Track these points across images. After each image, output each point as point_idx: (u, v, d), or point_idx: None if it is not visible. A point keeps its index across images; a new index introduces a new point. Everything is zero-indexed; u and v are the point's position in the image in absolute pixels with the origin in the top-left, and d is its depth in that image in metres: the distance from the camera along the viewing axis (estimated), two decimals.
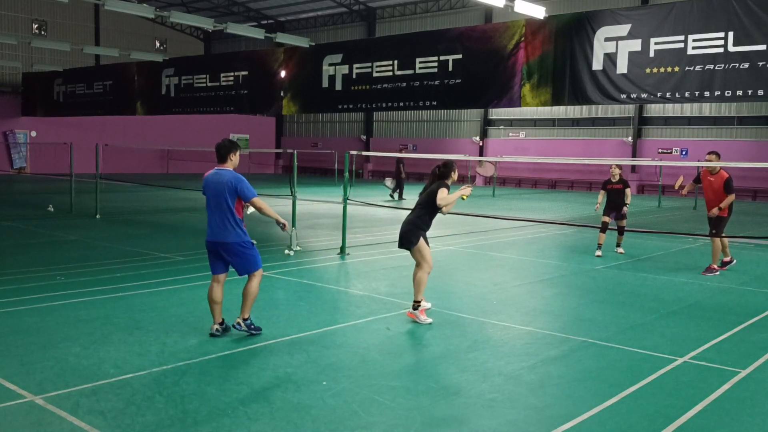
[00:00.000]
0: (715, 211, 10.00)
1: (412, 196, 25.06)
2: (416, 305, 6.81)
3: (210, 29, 26.63)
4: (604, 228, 11.65)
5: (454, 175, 7.02)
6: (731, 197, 9.88)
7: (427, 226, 6.92)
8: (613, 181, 11.76)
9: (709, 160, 9.91)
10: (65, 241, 11.76)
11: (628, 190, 11.74)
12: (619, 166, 11.87)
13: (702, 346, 6.15)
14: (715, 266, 10.20)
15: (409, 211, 7.11)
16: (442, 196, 6.76)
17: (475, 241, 13.30)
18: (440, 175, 7.02)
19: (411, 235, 6.81)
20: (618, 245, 12.04)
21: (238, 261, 6.05)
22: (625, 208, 11.72)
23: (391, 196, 23.52)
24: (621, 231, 11.91)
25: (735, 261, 10.65)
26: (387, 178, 25.00)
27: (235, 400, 4.53)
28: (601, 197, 12.02)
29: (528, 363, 5.57)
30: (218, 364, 5.30)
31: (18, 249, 10.73)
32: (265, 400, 4.56)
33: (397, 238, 6.98)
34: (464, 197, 6.87)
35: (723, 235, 10.28)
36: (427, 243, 6.91)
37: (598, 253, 11.55)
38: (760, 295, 8.67)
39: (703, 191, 10.25)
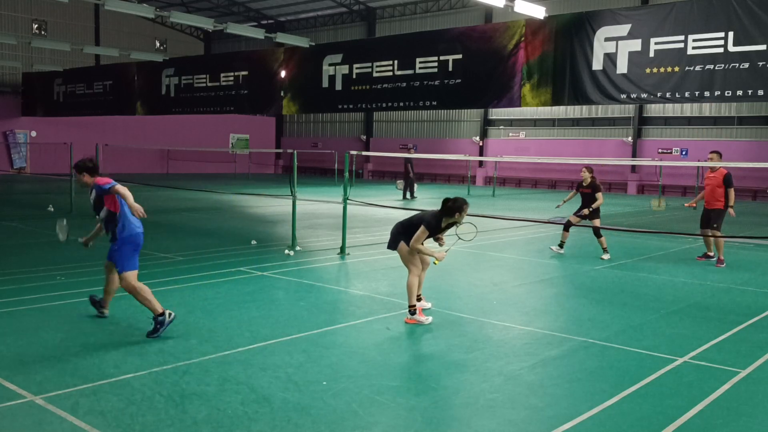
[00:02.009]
0: (731, 212, 10.73)
1: (423, 195, 26.02)
2: (412, 310, 6.78)
3: (210, 29, 26.64)
4: (567, 226, 11.55)
5: (459, 217, 6.61)
6: (732, 191, 10.66)
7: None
8: (584, 185, 11.48)
9: (711, 159, 10.70)
10: (65, 240, 11.73)
11: (598, 194, 11.24)
12: (590, 169, 11.48)
13: (702, 346, 6.15)
14: (722, 258, 10.85)
15: (410, 214, 7.11)
16: (418, 238, 6.50)
17: (475, 241, 13.27)
18: (446, 209, 6.59)
19: (394, 238, 6.93)
20: (604, 250, 11.30)
21: (113, 255, 6.32)
22: (585, 211, 11.25)
23: (404, 197, 23.92)
24: (596, 232, 11.30)
25: (713, 257, 11.16)
26: (398, 181, 25.34)
27: (235, 400, 4.53)
28: (571, 196, 11.89)
29: (528, 363, 5.57)
30: (218, 364, 5.30)
31: (18, 249, 10.73)
32: (265, 400, 4.56)
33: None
34: (436, 262, 6.63)
35: (720, 235, 10.87)
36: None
37: (555, 249, 11.58)
38: (760, 295, 8.67)
39: (705, 188, 11.04)
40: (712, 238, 10.97)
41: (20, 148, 35.37)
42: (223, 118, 39.96)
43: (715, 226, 10.83)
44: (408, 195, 24.02)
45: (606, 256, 11.23)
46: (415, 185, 24.64)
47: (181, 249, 11.01)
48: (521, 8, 19.82)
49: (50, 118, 33.79)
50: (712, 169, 10.87)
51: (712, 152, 10.93)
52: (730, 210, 10.76)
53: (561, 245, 11.66)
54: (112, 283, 6.55)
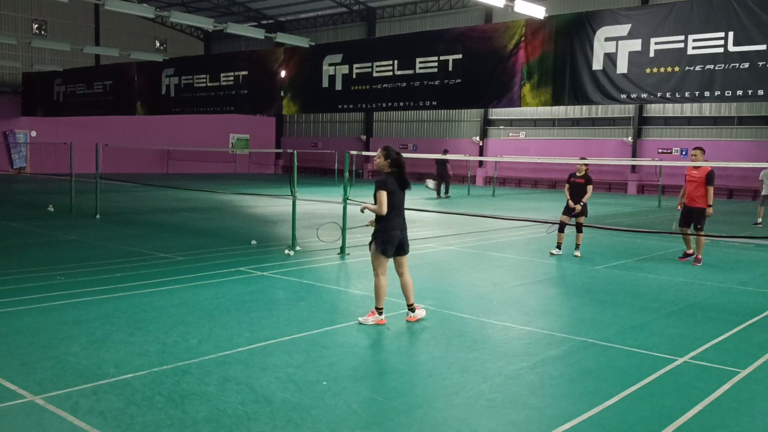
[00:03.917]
0: (710, 210, 10.65)
1: (430, 194, 26.52)
2: (413, 307, 6.82)
3: (210, 29, 26.64)
4: (561, 227, 11.58)
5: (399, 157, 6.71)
6: (712, 189, 10.59)
7: None
8: (578, 175, 11.52)
9: (695, 155, 10.67)
10: (65, 241, 11.76)
11: (589, 187, 11.36)
12: (586, 164, 11.57)
13: (702, 346, 6.15)
14: (700, 257, 10.84)
15: (400, 217, 6.74)
16: (382, 202, 6.57)
17: (475, 241, 13.30)
18: (394, 162, 6.63)
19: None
20: (576, 247, 11.50)
21: None
22: (578, 206, 11.28)
23: (438, 195, 25.23)
24: (579, 228, 11.42)
25: (693, 254, 11.04)
26: (428, 180, 26.13)
27: (235, 400, 4.53)
28: (568, 192, 11.67)
29: (528, 363, 5.57)
30: (218, 364, 5.30)
31: (18, 249, 10.73)
32: (265, 400, 4.56)
33: (402, 245, 6.72)
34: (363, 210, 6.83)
35: (704, 234, 10.95)
36: None
37: (555, 251, 11.53)
38: (760, 295, 8.67)
39: (687, 185, 10.86)
40: (690, 237, 10.89)
41: (20, 148, 35.37)
42: (223, 118, 39.94)
43: (699, 226, 10.73)
44: (443, 194, 25.35)
45: (577, 253, 11.41)
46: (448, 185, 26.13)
47: (181, 249, 11.01)
48: (521, 8, 19.82)
49: (50, 118, 33.79)
50: (695, 166, 10.70)
51: (696, 149, 10.77)
52: (710, 209, 10.61)
53: (558, 246, 11.66)
54: None
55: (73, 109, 29.96)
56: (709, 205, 10.61)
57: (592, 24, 14.15)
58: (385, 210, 6.53)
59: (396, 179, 6.64)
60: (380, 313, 6.68)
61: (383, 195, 6.53)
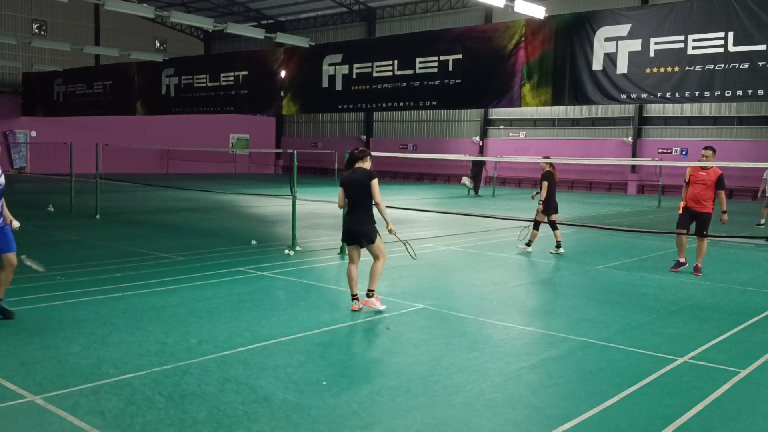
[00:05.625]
0: (725, 217, 9.87)
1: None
2: (371, 293, 7.10)
3: (210, 29, 26.66)
4: (536, 225, 11.73)
5: (370, 161, 7.16)
6: (724, 194, 9.77)
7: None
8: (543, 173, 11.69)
9: (706, 155, 9.81)
10: (65, 241, 11.76)
11: (544, 183, 11.57)
12: (549, 162, 11.78)
13: (702, 346, 6.15)
14: (701, 265, 9.98)
15: (353, 209, 7.11)
16: (379, 192, 6.94)
17: (475, 241, 13.30)
18: (358, 157, 7.06)
19: (372, 232, 7.06)
20: (557, 245, 11.63)
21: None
22: (539, 206, 11.52)
23: (476, 193, 27.27)
24: (552, 226, 11.61)
25: (686, 264, 10.27)
26: (464, 178, 28.52)
27: (235, 400, 4.53)
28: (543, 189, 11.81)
29: (528, 363, 5.57)
30: (218, 364, 5.30)
31: (18, 249, 10.71)
32: (265, 400, 4.56)
33: (350, 235, 7.12)
34: (389, 230, 7.12)
35: (707, 235, 10.01)
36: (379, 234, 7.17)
37: (523, 247, 11.70)
38: (760, 295, 8.67)
39: (693, 187, 9.86)
40: (684, 244, 10.13)
41: (20, 148, 35.38)
42: (223, 118, 39.96)
43: (705, 232, 9.81)
44: (476, 192, 27.37)
45: (560, 250, 11.61)
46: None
47: (181, 249, 11.01)
48: (521, 8, 19.83)
49: (50, 118, 33.79)
50: (703, 167, 9.81)
51: (707, 148, 9.92)
52: (725, 215, 9.85)
53: (528, 243, 11.77)
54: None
55: (73, 109, 29.95)
56: (724, 211, 9.84)
57: (592, 24, 14.14)
58: (340, 203, 7.22)
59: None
60: (353, 300, 7.20)
61: (339, 191, 7.21)
